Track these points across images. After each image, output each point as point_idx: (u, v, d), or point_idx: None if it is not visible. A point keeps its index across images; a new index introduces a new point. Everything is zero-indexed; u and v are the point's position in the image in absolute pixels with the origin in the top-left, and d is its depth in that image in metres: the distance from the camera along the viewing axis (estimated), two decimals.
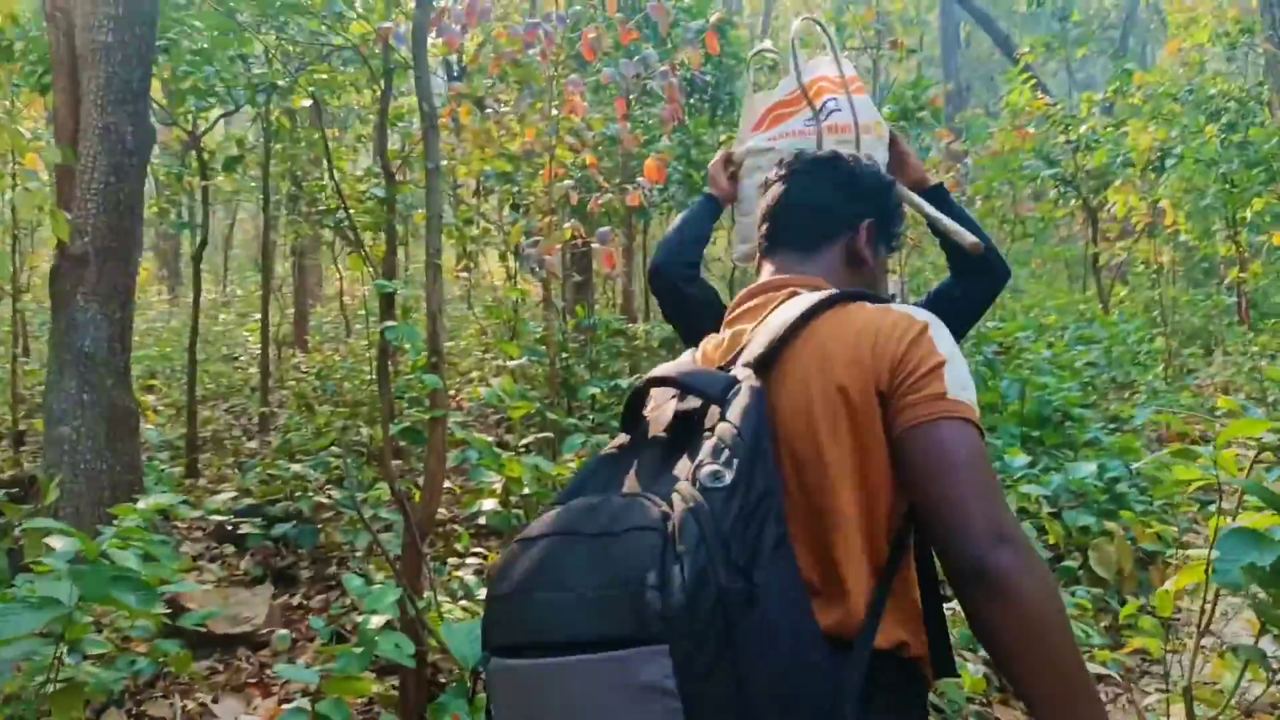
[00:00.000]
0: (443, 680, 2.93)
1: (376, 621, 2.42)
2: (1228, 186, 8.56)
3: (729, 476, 0.97)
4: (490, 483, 3.72)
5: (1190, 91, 10.93)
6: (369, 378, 7.04)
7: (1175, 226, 9.06)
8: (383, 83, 4.73)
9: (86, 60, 3.82)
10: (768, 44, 2.17)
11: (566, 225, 5.08)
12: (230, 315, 13.13)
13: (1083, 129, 10.56)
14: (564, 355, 6.11)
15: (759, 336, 1.18)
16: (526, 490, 3.79)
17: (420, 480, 4.00)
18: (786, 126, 1.85)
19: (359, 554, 4.17)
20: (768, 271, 1.38)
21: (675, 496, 0.98)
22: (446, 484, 3.93)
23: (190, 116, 6.25)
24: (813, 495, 1.10)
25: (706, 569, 0.91)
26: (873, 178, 1.43)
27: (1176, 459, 1.67)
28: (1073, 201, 11.20)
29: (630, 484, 1.10)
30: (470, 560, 3.61)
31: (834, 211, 1.37)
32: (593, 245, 4.67)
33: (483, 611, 1.11)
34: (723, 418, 1.04)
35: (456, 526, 4.15)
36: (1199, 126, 9.63)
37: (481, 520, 3.90)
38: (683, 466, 1.05)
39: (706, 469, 0.99)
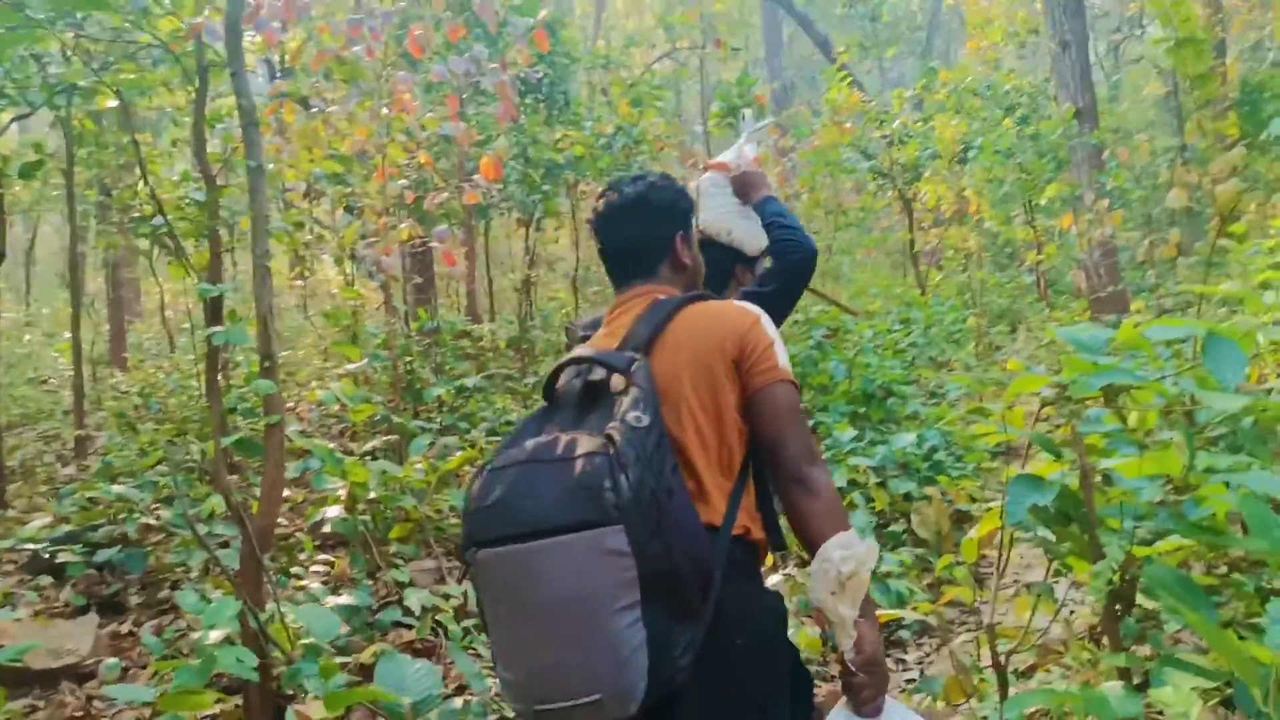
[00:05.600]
0: (290, 694, 2.85)
1: (215, 636, 2.34)
2: (1023, 175, 9.34)
3: (646, 420, 1.46)
4: (334, 490, 3.63)
5: (988, 88, 11.83)
6: (197, 393, 6.67)
7: (980, 214, 9.79)
8: (197, 82, 4.51)
9: None
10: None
11: (403, 225, 5.00)
12: (36, 336, 12.09)
13: (895, 124, 11.26)
14: (408, 359, 6.00)
15: (639, 328, 1.64)
16: (373, 495, 3.72)
17: (259, 492, 3.85)
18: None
19: (194, 575, 3.96)
20: (628, 291, 1.77)
21: (612, 432, 1.44)
22: (288, 493, 3.81)
23: None
24: (676, 430, 1.58)
25: (642, 477, 1.40)
26: (663, 197, 1.78)
27: (972, 417, 1.85)
28: (890, 193, 11.92)
29: (555, 432, 1.51)
30: (317, 569, 3.51)
31: (648, 248, 1.77)
32: (431, 245, 4.62)
33: (464, 523, 1.53)
34: (633, 383, 1.51)
35: (300, 535, 4.01)
36: (998, 120, 10.45)
37: (327, 529, 3.80)
38: (594, 419, 1.50)
39: (631, 414, 1.46)
